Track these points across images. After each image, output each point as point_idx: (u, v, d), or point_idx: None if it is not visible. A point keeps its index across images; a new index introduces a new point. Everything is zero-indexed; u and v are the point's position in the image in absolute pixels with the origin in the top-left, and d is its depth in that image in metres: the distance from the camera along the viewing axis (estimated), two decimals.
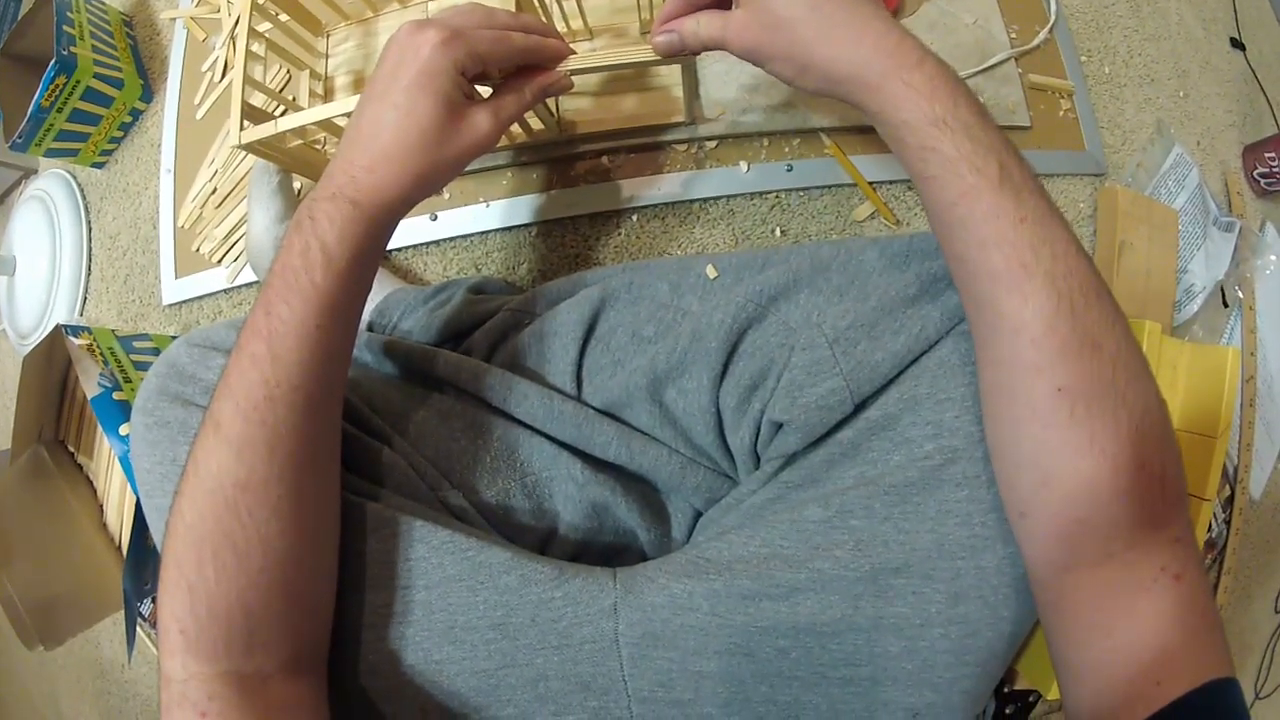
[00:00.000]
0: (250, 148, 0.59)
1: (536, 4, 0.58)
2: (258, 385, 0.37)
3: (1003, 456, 0.38)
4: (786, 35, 0.42)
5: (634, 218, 0.72)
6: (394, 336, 0.58)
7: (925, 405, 0.42)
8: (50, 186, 0.93)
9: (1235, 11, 0.99)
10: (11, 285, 0.96)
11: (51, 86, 0.80)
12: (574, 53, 0.52)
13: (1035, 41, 0.76)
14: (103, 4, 0.90)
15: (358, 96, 0.47)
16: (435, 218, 0.71)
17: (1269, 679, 0.90)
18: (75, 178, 0.93)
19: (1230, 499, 0.85)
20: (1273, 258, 0.90)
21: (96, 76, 0.82)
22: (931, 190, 0.38)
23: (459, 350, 0.56)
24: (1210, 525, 0.82)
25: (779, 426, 0.46)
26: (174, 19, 0.88)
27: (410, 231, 0.70)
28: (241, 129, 0.58)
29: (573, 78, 0.52)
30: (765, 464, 0.49)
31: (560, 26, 0.66)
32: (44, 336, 0.84)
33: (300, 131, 0.58)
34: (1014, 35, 0.76)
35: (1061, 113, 0.77)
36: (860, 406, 0.45)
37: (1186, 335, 0.82)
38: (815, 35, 0.41)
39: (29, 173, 1.03)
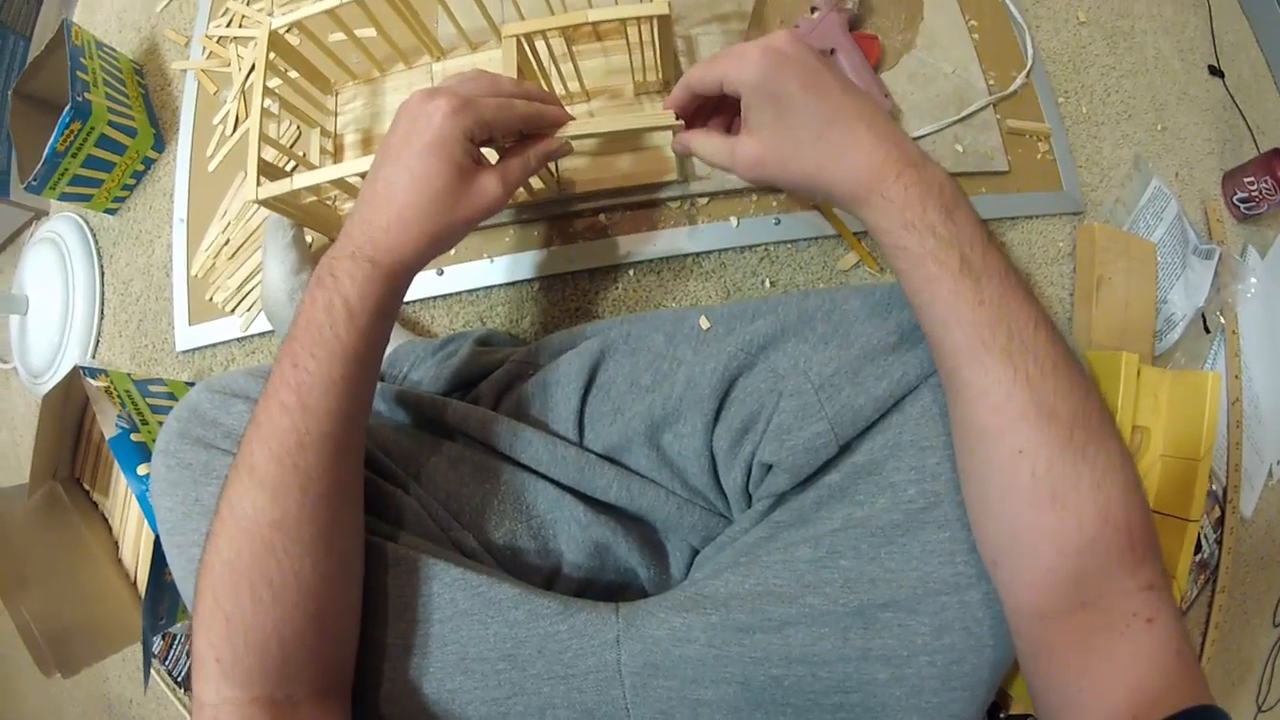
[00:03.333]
0: (266, 203, 0.63)
1: (536, 69, 0.63)
2: (289, 432, 0.41)
3: (974, 510, 0.42)
4: (795, 167, 0.48)
5: (631, 272, 0.76)
6: (405, 387, 0.62)
7: (909, 451, 0.46)
8: (62, 229, 0.97)
9: (1213, 38, 1.03)
10: (24, 324, 0.99)
11: (67, 132, 0.83)
12: (573, 118, 0.56)
13: (1012, 87, 0.81)
14: (114, 52, 0.94)
15: (370, 157, 0.51)
16: (442, 273, 0.75)
17: (1270, 692, 0.92)
18: (87, 222, 0.97)
19: (1221, 519, 0.88)
20: (1253, 281, 0.93)
21: (111, 124, 0.86)
22: (905, 281, 0.44)
23: (467, 400, 0.60)
24: (1201, 546, 0.85)
25: (769, 468, 0.50)
26: (184, 70, 0.93)
27: (418, 286, 0.73)
28: (258, 184, 0.62)
29: (572, 142, 0.57)
30: (757, 503, 0.52)
31: (559, 88, 0.71)
32: (59, 376, 0.88)
33: (315, 189, 0.63)
34: (992, 82, 0.81)
35: (1039, 155, 0.82)
36: (847, 450, 0.49)
37: (1169, 363, 0.86)
38: (817, 166, 0.46)
39: (40, 214, 1.07)
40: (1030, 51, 0.84)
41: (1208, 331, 0.90)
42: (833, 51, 0.74)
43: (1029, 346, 0.40)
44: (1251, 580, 0.90)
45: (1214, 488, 0.87)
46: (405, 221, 0.47)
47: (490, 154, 0.55)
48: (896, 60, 0.80)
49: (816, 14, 0.75)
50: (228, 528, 0.40)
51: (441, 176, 0.47)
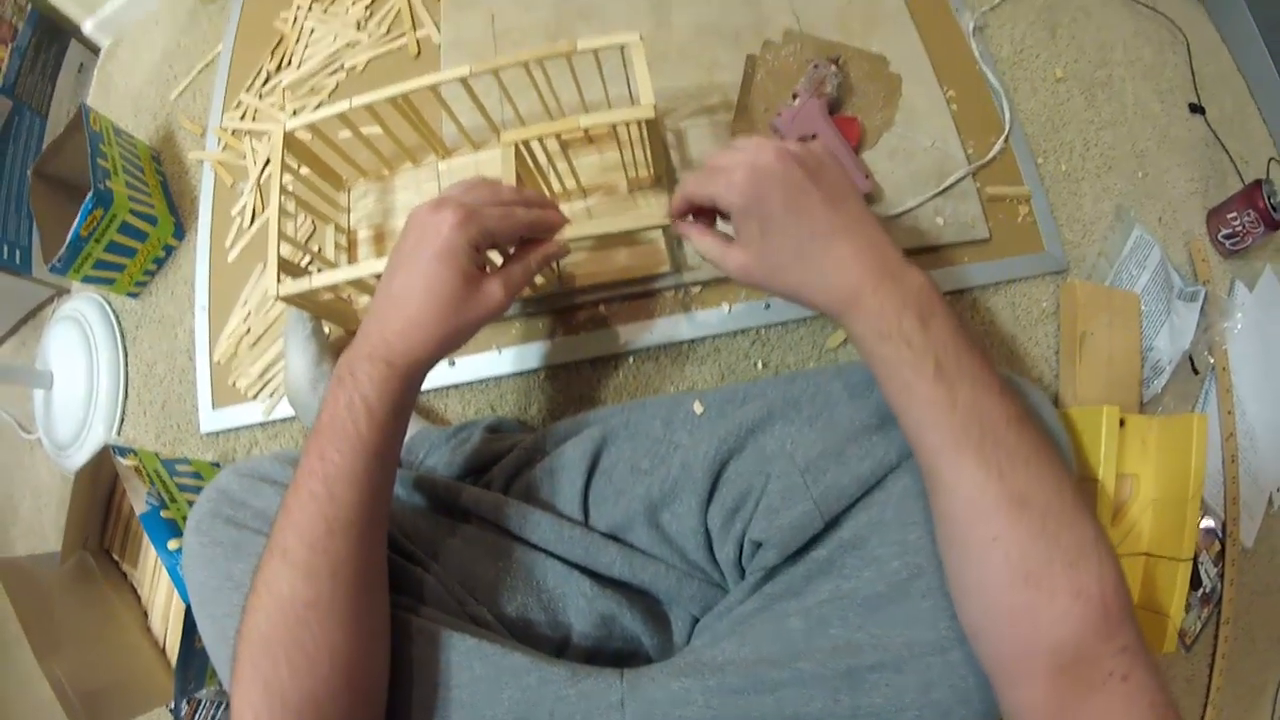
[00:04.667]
0: (287, 299, 0.69)
1: (535, 170, 0.69)
2: (319, 520, 0.47)
3: (954, 587, 0.47)
4: (779, 282, 0.53)
5: (631, 359, 0.82)
6: (422, 472, 0.68)
7: (892, 528, 0.51)
8: (85, 309, 1.03)
9: (1193, 74, 1.05)
10: (49, 398, 1.05)
11: (90, 218, 0.89)
12: (569, 221, 0.62)
13: (991, 154, 0.86)
14: (132, 138, 1.01)
15: (383, 260, 0.57)
16: (454, 364, 0.82)
17: None
18: (109, 303, 1.04)
19: (1222, 553, 0.90)
20: (1239, 316, 0.95)
21: (132, 212, 0.92)
22: (883, 386, 0.49)
23: (479, 484, 0.66)
24: (1202, 580, 0.89)
25: (759, 544, 0.56)
26: (201, 160, 0.99)
27: (433, 376, 0.78)
28: (279, 282, 0.68)
29: (569, 243, 0.63)
30: (749, 575, 0.58)
31: (557, 186, 0.78)
32: (84, 450, 0.96)
33: (331, 287, 0.69)
34: (970, 151, 0.86)
35: (1020, 219, 0.86)
36: (833, 527, 0.54)
37: (1158, 408, 0.89)
38: (799, 281, 0.52)
39: (62, 291, 1.13)
40: (1007, 116, 0.89)
41: (1196, 372, 0.93)
42: (814, 136, 0.79)
43: (1001, 442, 0.44)
44: (1258, 608, 0.92)
45: (1213, 523, 0.90)
46: (417, 325, 0.53)
47: (495, 254, 0.61)
48: (877, 139, 0.85)
49: (797, 101, 0.80)
50: (265, 604, 0.45)
51: (450, 284, 0.53)
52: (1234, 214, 0.93)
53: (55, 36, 1.22)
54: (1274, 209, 0.89)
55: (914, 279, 0.49)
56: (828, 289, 0.50)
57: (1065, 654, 0.41)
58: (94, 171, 0.90)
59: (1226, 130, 1.04)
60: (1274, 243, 0.99)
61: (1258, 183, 0.91)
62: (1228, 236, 0.95)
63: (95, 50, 1.29)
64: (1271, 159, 1.05)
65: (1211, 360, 0.94)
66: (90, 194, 0.88)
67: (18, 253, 1.08)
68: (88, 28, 1.27)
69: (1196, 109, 1.04)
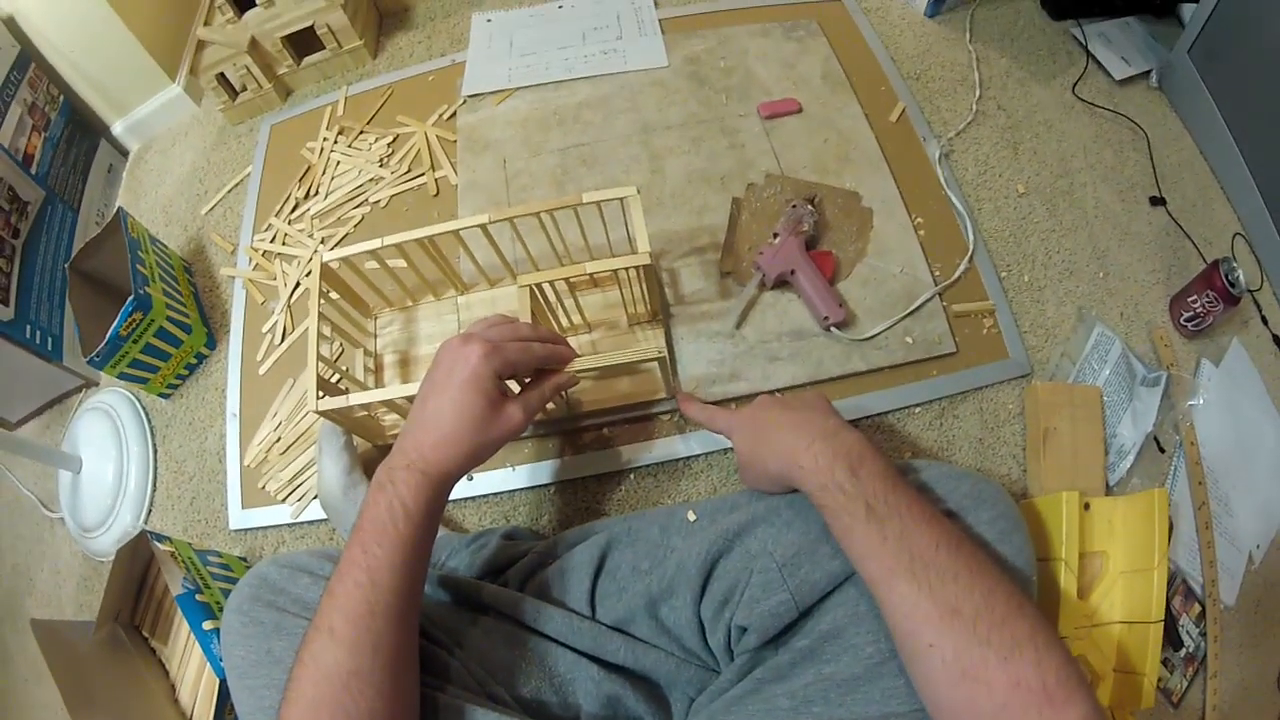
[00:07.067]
0: (325, 414, 0.83)
1: (546, 308, 0.85)
2: (362, 603, 0.58)
3: (913, 684, 0.58)
4: (753, 484, 0.74)
5: (632, 476, 0.97)
6: (444, 573, 0.81)
7: (867, 619, 0.63)
8: (115, 403, 1.16)
9: (1154, 168, 1.17)
10: (76, 482, 1.15)
11: (129, 320, 1.00)
12: (579, 355, 0.77)
13: (956, 275, 0.99)
14: (165, 248, 1.15)
15: (414, 384, 0.71)
16: (471, 478, 0.97)
17: None
18: (139, 400, 1.16)
19: (1202, 613, 0.98)
20: (1202, 393, 1.04)
21: (169, 319, 1.05)
22: (831, 529, 0.62)
23: (497, 583, 0.79)
24: (1184, 641, 0.96)
25: (744, 630, 0.68)
26: (232, 276, 1.13)
27: (454, 490, 0.87)
28: (319, 399, 0.82)
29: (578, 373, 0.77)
30: (737, 658, 0.70)
31: (565, 321, 0.93)
32: (110, 535, 1.08)
33: (365, 405, 0.83)
34: (937, 273, 0.99)
35: (985, 331, 0.99)
36: (815, 620, 0.66)
37: (1126, 488, 0.99)
38: (762, 475, 0.71)
39: (90, 383, 1.25)
40: (971, 237, 1.02)
41: (1162, 451, 1.01)
42: (793, 272, 0.95)
43: (930, 565, 0.56)
44: (1244, 659, 0.99)
45: (1193, 586, 0.98)
46: (449, 441, 0.67)
47: (512, 383, 0.76)
48: (850, 270, 0.99)
49: (777, 239, 0.95)
50: (311, 673, 0.56)
51: (477, 406, 0.67)
52: (1194, 296, 1.02)
53: (86, 133, 1.37)
54: (1232, 285, 0.97)
55: (847, 437, 0.64)
56: (777, 467, 0.67)
57: None
58: (134, 276, 1.02)
59: (1189, 216, 1.15)
60: (1239, 316, 1.09)
61: (1215, 263, 0.99)
62: (1190, 319, 1.04)
63: (124, 153, 1.43)
64: (1236, 234, 1.15)
65: (1178, 437, 1.02)
66: (131, 297, 1.00)
67: (50, 340, 1.20)
68: (117, 129, 1.42)
69: (1158, 201, 1.16)
